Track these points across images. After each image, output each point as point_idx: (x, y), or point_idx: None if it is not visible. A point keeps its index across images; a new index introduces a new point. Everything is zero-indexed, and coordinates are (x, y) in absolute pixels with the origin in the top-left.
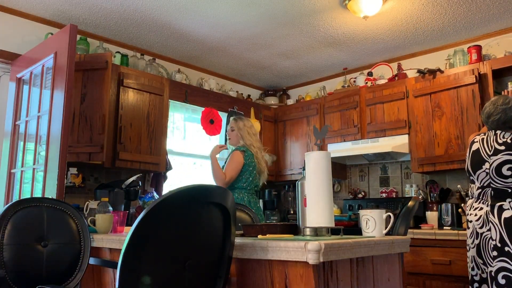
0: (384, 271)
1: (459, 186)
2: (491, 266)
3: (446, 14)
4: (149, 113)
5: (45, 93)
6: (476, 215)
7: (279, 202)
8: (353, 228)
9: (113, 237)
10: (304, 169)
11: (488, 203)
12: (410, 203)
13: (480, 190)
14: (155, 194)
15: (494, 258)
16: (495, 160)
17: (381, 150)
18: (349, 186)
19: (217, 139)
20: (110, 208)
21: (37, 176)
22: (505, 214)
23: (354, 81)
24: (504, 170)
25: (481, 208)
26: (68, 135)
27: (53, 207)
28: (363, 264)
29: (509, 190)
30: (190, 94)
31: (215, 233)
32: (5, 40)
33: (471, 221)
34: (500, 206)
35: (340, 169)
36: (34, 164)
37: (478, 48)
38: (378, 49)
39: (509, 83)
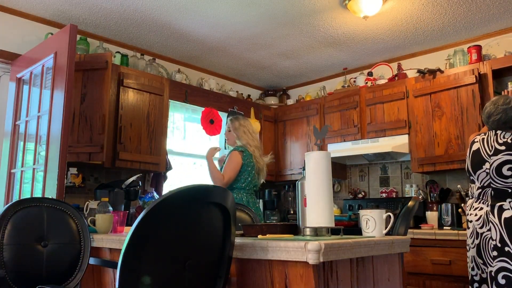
0: (384, 271)
1: (459, 186)
2: (491, 266)
3: (446, 14)
4: (149, 113)
5: (45, 93)
6: (476, 215)
7: (279, 202)
8: (353, 228)
9: (113, 237)
10: (304, 169)
11: (488, 203)
12: (410, 203)
13: (480, 190)
14: (155, 194)
15: (494, 258)
16: (495, 160)
17: (381, 150)
18: (349, 186)
19: (217, 139)
20: (110, 208)
21: (37, 176)
22: (505, 214)
23: (354, 81)
24: (505, 170)
25: (481, 208)
26: (68, 135)
27: (53, 207)
28: (363, 264)
29: (509, 190)
30: (190, 94)
31: (215, 233)
32: (5, 40)
33: (471, 221)
34: (500, 206)
35: (340, 169)
36: (34, 164)
37: (478, 48)
38: (378, 49)
39: (509, 83)
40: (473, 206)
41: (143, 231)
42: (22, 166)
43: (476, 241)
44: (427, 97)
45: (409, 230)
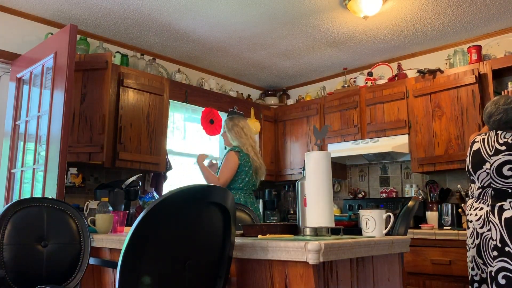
0: (384, 271)
1: (459, 186)
2: (491, 266)
3: (446, 14)
4: (149, 113)
5: (45, 93)
6: (476, 215)
7: (279, 202)
8: (353, 228)
9: (113, 237)
10: (304, 169)
11: (488, 203)
12: (410, 203)
13: (480, 190)
14: (155, 194)
15: (494, 258)
16: (495, 160)
17: (381, 150)
18: (349, 186)
19: (217, 139)
20: (110, 208)
21: (37, 176)
22: (506, 214)
23: (354, 81)
24: (505, 170)
25: (482, 208)
26: (68, 135)
27: (53, 207)
28: (363, 264)
29: (510, 191)
30: (190, 94)
31: (215, 233)
32: (5, 40)
33: (471, 221)
34: (501, 206)
35: (340, 169)
36: (34, 164)
37: (478, 48)
38: (378, 49)
39: (509, 83)
40: (473, 206)
41: (143, 231)
42: (22, 166)
43: (476, 241)
44: (427, 97)
45: (409, 230)
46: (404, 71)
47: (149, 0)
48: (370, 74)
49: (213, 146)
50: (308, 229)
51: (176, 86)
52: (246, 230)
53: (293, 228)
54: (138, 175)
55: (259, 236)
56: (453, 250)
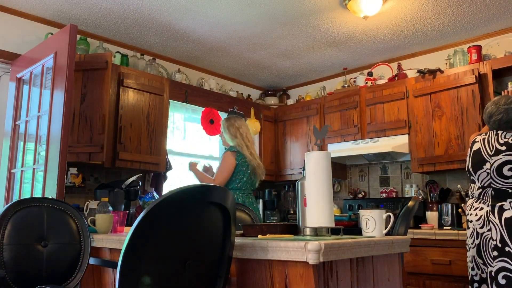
0: (384, 271)
1: (459, 186)
2: (491, 266)
3: (446, 14)
4: (149, 113)
5: (45, 93)
6: (476, 215)
7: (279, 202)
8: (353, 228)
9: (113, 237)
10: (304, 169)
11: (488, 203)
12: (410, 203)
13: (480, 190)
14: (155, 194)
15: (494, 258)
16: (496, 160)
17: (381, 150)
18: (349, 186)
19: (217, 139)
20: (110, 208)
21: (37, 176)
22: (506, 215)
23: (354, 81)
24: (505, 171)
25: (482, 208)
26: (68, 135)
27: (53, 207)
28: (363, 264)
29: (510, 191)
30: (190, 94)
31: (215, 233)
32: (5, 40)
33: (471, 221)
34: (501, 207)
35: (340, 169)
36: (34, 164)
37: (478, 48)
38: (378, 49)
39: (509, 83)
40: (473, 206)
41: (143, 231)
42: (22, 166)
43: (476, 241)
44: (427, 97)
45: (409, 230)
46: (404, 71)
47: (149, 0)
48: (370, 74)
49: (213, 146)
50: (308, 229)
51: (176, 86)
52: (246, 230)
53: (293, 228)
54: (138, 175)
55: (259, 236)
56: (453, 250)
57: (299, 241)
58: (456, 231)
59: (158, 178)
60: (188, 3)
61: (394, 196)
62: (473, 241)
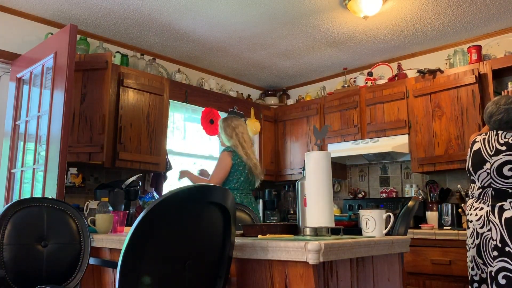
0: (384, 271)
1: (459, 186)
2: (491, 266)
3: (446, 14)
4: (149, 113)
5: (45, 93)
6: (476, 215)
7: (279, 202)
8: (353, 228)
9: (113, 237)
10: (304, 169)
11: (488, 203)
12: (410, 203)
13: (480, 190)
14: (155, 194)
15: (494, 258)
16: (496, 160)
17: (381, 150)
18: (349, 186)
19: (217, 139)
20: (110, 208)
21: (37, 176)
22: (506, 215)
23: (354, 81)
24: (505, 171)
25: (482, 208)
26: (68, 135)
27: (53, 207)
28: (363, 264)
29: (510, 191)
30: (190, 94)
31: (215, 233)
32: (5, 40)
33: (471, 221)
34: (501, 207)
35: (340, 169)
36: (34, 164)
37: (478, 48)
38: (378, 49)
39: (509, 83)
40: (474, 206)
41: (143, 231)
42: (22, 166)
43: (476, 241)
44: (427, 97)
45: (409, 230)
46: (404, 71)
47: (149, 0)
48: (370, 74)
49: (213, 146)
50: (308, 229)
51: (176, 86)
52: (246, 230)
53: (293, 228)
54: (138, 175)
55: (259, 236)
56: (453, 250)
57: (299, 241)
58: (456, 231)
59: (158, 178)
60: (188, 3)
61: (394, 196)
62: (473, 241)
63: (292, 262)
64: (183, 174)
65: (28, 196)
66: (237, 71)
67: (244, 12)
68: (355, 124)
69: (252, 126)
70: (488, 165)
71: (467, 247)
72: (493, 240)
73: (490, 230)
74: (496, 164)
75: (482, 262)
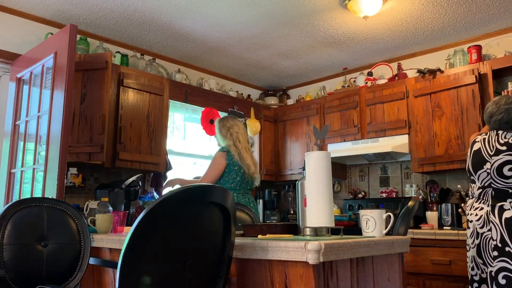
0: (384, 271)
1: (459, 186)
2: (491, 266)
3: (446, 14)
4: (149, 113)
5: (45, 93)
6: (476, 215)
7: (279, 202)
8: (353, 228)
9: (113, 237)
10: (304, 169)
11: (488, 203)
12: (410, 203)
13: (480, 190)
14: (155, 194)
15: (494, 258)
16: (496, 160)
17: (381, 150)
18: (349, 186)
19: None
20: (110, 208)
21: (37, 176)
22: (506, 215)
23: (354, 81)
24: (505, 171)
25: (482, 208)
26: (68, 135)
27: (53, 207)
28: (363, 264)
29: (510, 191)
30: (190, 94)
31: (215, 233)
32: (5, 40)
33: (471, 221)
34: (501, 207)
35: (340, 169)
36: (34, 164)
37: (478, 48)
38: (378, 49)
39: (509, 83)
40: (474, 206)
41: (143, 231)
42: (22, 166)
43: (476, 241)
44: (427, 97)
45: (409, 230)
46: (404, 71)
47: (149, 0)
48: (370, 74)
49: (213, 146)
50: (308, 229)
51: (176, 86)
52: (246, 230)
53: (293, 228)
54: (138, 175)
55: (259, 236)
56: (453, 250)
57: (299, 241)
58: (456, 231)
59: (158, 178)
60: (188, 3)
61: (394, 196)
62: (473, 241)
63: (292, 262)
64: (172, 182)
65: (28, 196)
66: (237, 71)
67: (244, 12)
68: (355, 124)
69: (252, 126)
70: (488, 165)
71: (467, 247)
72: (493, 240)
73: (490, 230)
74: (496, 164)
75: (482, 262)
